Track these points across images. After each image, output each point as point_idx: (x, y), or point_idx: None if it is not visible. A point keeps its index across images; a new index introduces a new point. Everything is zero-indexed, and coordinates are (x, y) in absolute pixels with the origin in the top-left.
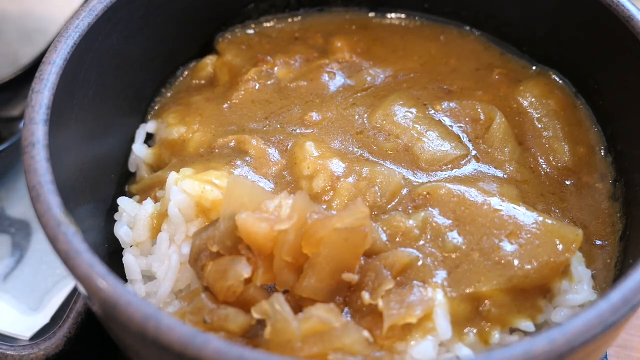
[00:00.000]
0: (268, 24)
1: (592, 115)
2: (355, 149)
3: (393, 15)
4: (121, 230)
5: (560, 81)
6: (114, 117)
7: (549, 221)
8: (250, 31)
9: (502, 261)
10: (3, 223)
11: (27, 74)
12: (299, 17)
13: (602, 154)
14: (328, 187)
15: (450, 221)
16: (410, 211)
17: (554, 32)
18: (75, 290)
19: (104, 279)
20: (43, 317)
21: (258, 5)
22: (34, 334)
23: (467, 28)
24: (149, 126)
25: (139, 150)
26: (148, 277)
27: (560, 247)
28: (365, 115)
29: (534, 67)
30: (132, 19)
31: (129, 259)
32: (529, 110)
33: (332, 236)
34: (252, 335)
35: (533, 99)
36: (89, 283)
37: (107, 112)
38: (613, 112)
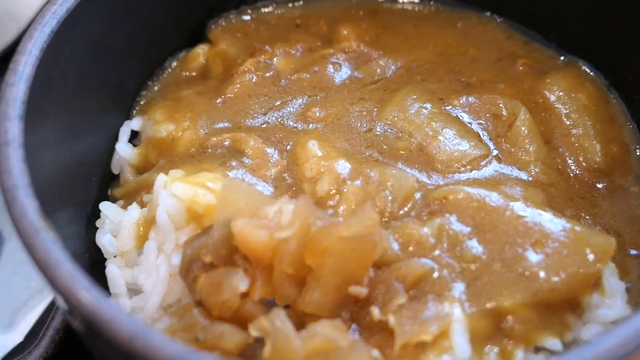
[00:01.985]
0: (266, 10)
1: (627, 111)
2: (364, 149)
3: None
4: (104, 239)
5: (591, 73)
6: (95, 113)
7: (579, 228)
8: (247, 17)
9: (527, 273)
10: None
11: None
12: (301, 2)
13: (638, 153)
14: (333, 191)
15: (469, 228)
16: (424, 217)
17: (585, 18)
18: (52, 304)
19: (87, 291)
20: (17, 335)
21: None
22: (6, 354)
23: (488, 14)
24: (134, 123)
25: (123, 150)
26: (134, 290)
27: (591, 257)
28: (375, 111)
29: (562, 58)
30: (115, 3)
31: (113, 271)
32: (556, 105)
33: (338, 245)
34: (250, 354)
35: (561, 93)
36: (70, 296)
37: (88, 108)
38: None
